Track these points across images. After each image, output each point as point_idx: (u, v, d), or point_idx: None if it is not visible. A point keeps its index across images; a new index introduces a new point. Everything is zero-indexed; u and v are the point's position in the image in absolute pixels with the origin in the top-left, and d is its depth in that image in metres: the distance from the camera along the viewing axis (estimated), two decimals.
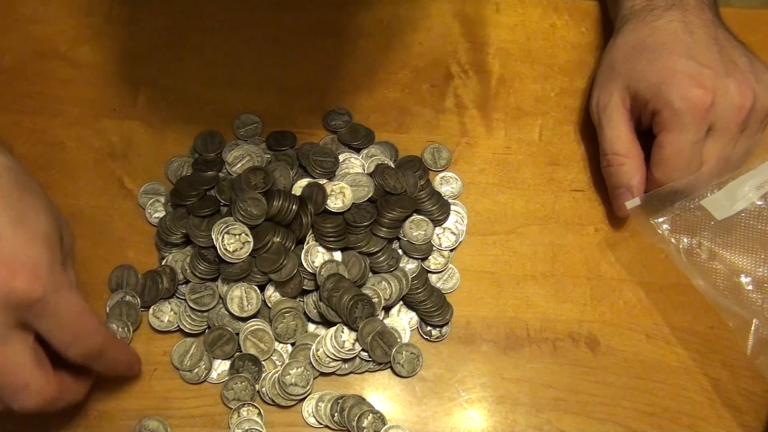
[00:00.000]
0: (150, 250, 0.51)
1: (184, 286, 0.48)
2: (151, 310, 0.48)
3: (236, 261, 0.47)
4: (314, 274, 0.48)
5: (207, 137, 0.54)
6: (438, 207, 0.51)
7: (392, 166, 0.53)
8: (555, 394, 0.48)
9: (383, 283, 0.48)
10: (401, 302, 0.49)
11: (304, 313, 0.48)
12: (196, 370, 0.47)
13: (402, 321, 0.49)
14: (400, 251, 0.50)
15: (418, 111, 0.57)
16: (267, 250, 0.47)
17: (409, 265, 0.50)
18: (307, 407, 0.46)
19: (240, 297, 0.47)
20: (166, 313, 0.48)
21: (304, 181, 0.50)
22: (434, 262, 0.50)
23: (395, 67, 0.58)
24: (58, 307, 0.38)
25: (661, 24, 0.51)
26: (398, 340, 0.48)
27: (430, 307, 0.49)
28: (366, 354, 0.47)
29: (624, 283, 0.51)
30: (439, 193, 0.52)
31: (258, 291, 0.48)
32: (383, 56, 0.59)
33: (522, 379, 0.48)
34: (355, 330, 0.47)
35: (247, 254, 0.47)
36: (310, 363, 0.47)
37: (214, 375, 0.47)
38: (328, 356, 0.46)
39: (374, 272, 0.49)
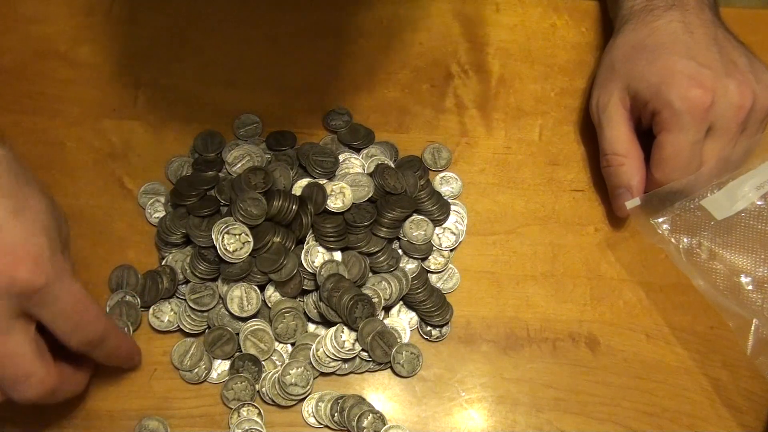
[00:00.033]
0: (150, 250, 0.51)
1: (184, 286, 0.48)
2: (151, 310, 0.48)
3: (236, 261, 0.47)
4: (314, 274, 0.48)
5: (207, 137, 0.54)
6: (438, 207, 0.51)
7: (392, 166, 0.53)
8: (555, 394, 0.48)
9: (383, 283, 0.48)
10: (401, 302, 0.49)
11: (304, 313, 0.48)
12: (196, 370, 0.47)
13: (402, 321, 0.49)
14: (400, 251, 0.50)
15: (418, 111, 0.57)
16: (267, 250, 0.47)
17: (409, 265, 0.50)
18: (307, 407, 0.46)
19: (240, 297, 0.47)
20: (166, 313, 0.48)
21: (304, 181, 0.50)
22: (434, 262, 0.50)
23: (395, 67, 0.58)
24: (60, 296, 0.38)
25: (661, 24, 0.51)
26: (398, 340, 0.48)
27: (430, 307, 0.49)
28: (366, 354, 0.47)
29: (624, 283, 0.51)
30: (439, 193, 0.52)
31: (258, 291, 0.48)
32: (383, 56, 0.59)
33: (522, 379, 0.48)
34: (355, 330, 0.47)
35: (247, 254, 0.47)
36: (310, 363, 0.47)
37: (214, 375, 0.47)
38: (328, 356, 0.46)
39: (374, 272, 0.49)
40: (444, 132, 0.56)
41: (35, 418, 0.45)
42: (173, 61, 0.57)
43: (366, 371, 0.48)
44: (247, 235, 0.47)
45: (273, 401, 0.46)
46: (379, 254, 0.49)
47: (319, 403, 0.46)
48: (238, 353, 0.47)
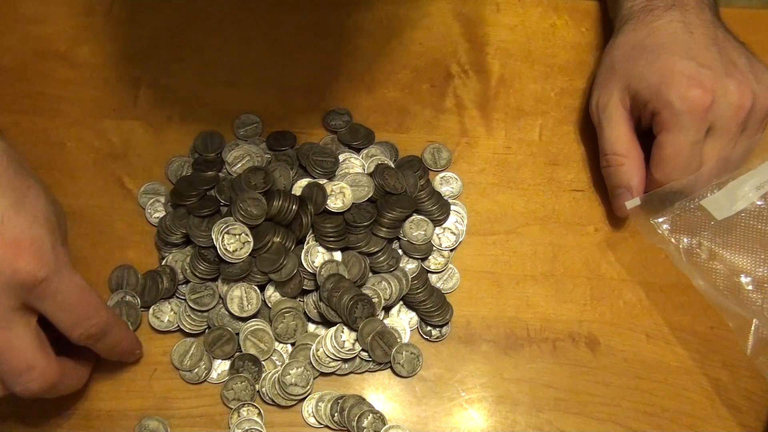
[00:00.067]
0: (150, 250, 0.51)
1: (184, 286, 0.48)
2: (151, 310, 0.48)
3: (236, 261, 0.47)
4: (314, 274, 0.48)
5: (207, 137, 0.54)
6: (438, 207, 0.51)
7: (392, 166, 0.53)
8: (555, 394, 0.48)
9: (383, 283, 0.48)
10: (401, 302, 0.49)
11: (304, 313, 0.48)
12: (196, 370, 0.47)
13: (402, 321, 0.49)
14: (400, 251, 0.50)
15: (418, 111, 0.57)
16: (267, 250, 0.47)
17: (409, 265, 0.50)
18: (307, 407, 0.46)
19: (240, 297, 0.47)
20: (166, 313, 0.48)
21: (304, 181, 0.50)
22: (434, 262, 0.50)
23: (395, 67, 0.58)
24: (62, 287, 0.38)
25: (661, 24, 0.51)
26: (398, 340, 0.48)
27: (430, 307, 0.49)
28: (366, 354, 0.47)
29: (624, 283, 0.51)
30: (439, 193, 0.52)
31: (258, 291, 0.48)
32: (383, 56, 0.59)
33: (522, 379, 0.48)
34: (355, 330, 0.47)
35: (247, 254, 0.47)
36: (310, 363, 0.47)
37: (214, 375, 0.47)
38: (328, 356, 0.46)
39: (374, 272, 0.49)
40: (444, 132, 0.56)
41: (35, 417, 0.45)
42: (173, 61, 0.57)
43: (366, 371, 0.48)
44: (247, 235, 0.47)
45: (273, 401, 0.46)
46: (379, 254, 0.49)
47: (319, 403, 0.46)
48: (238, 353, 0.47)
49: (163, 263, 0.49)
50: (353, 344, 0.47)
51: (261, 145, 0.53)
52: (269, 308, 0.48)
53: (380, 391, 0.47)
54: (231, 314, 0.47)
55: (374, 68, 0.58)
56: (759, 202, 0.49)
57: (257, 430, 0.45)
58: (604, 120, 0.52)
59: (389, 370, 0.48)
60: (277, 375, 0.46)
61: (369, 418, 0.45)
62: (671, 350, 0.49)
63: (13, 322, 0.37)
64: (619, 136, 0.51)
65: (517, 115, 0.57)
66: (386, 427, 0.45)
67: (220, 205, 0.50)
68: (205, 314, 0.48)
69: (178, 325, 0.48)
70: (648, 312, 0.50)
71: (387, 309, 0.49)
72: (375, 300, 0.47)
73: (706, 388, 0.48)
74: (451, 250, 0.51)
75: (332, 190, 0.49)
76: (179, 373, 0.47)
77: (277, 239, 0.47)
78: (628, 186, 0.50)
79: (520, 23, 0.61)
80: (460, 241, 0.52)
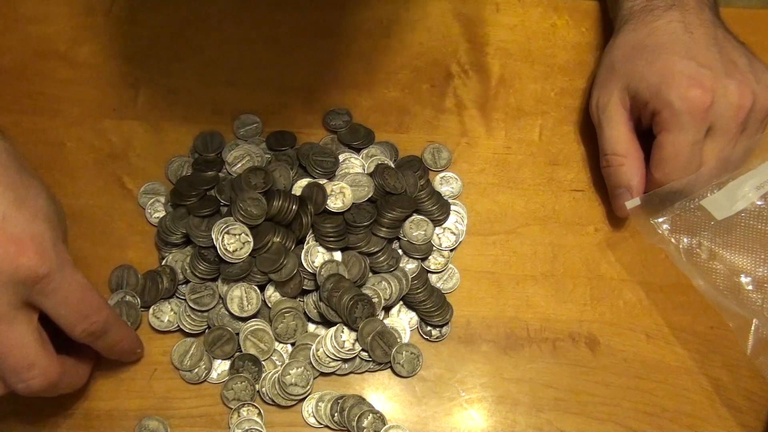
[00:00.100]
0: (150, 250, 0.51)
1: (184, 286, 0.48)
2: (151, 310, 0.48)
3: (236, 261, 0.47)
4: (314, 274, 0.48)
5: (207, 137, 0.54)
6: (438, 207, 0.51)
7: (392, 166, 0.53)
8: (555, 394, 0.48)
9: (383, 283, 0.48)
10: (401, 302, 0.49)
11: (304, 313, 0.48)
12: (196, 370, 0.47)
13: (402, 321, 0.49)
14: (400, 251, 0.50)
15: (418, 111, 0.57)
16: (267, 250, 0.47)
17: (409, 265, 0.50)
18: (307, 407, 0.46)
19: (240, 297, 0.47)
20: (166, 313, 0.48)
21: (304, 181, 0.50)
22: (434, 262, 0.50)
23: (395, 67, 0.58)
24: (63, 284, 0.38)
25: (661, 24, 0.51)
26: (398, 340, 0.48)
27: (430, 307, 0.49)
28: (366, 354, 0.47)
29: (624, 283, 0.51)
30: (439, 193, 0.52)
31: (258, 291, 0.48)
32: (383, 56, 0.59)
33: (522, 379, 0.48)
34: (355, 330, 0.47)
35: (247, 254, 0.47)
36: (310, 363, 0.47)
37: (214, 375, 0.47)
38: (328, 356, 0.46)
39: (374, 272, 0.49)
40: (444, 132, 0.56)
41: (35, 416, 0.45)
42: (173, 61, 0.57)
43: (366, 371, 0.48)
44: (247, 235, 0.47)
45: (273, 401, 0.46)
46: (379, 254, 0.49)
47: (319, 403, 0.46)
48: (238, 353, 0.47)
49: (163, 263, 0.49)
50: (353, 344, 0.47)
51: (261, 145, 0.53)
52: (269, 308, 0.48)
53: (380, 391, 0.47)
54: (231, 314, 0.47)
55: (374, 68, 0.58)
56: (759, 202, 0.49)
57: (257, 430, 0.45)
58: (604, 120, 0.52)
59: (389, 370, 0.48)
60: (277, 375, 0.46)
61: (369, 418, 0.45)
62: (671, 350, 0.49)
63: (14, 319, 0.37)
64: (619, 136, 0.51)
65: (517, 115, 0.57)
66: (386, 427, 0.45)
67: (220, 205, 0.50)
68: (205, 314, 0.48)
69: (178, 325, 0.48)
70: (648, 312, 0.50)
71: (387, 309, 0.49)
72: (375, 300, 0.47)
73: (706, 388, 0.48)
74: (451, 250, 0.51)
75: (332, 190, 0.49)
76: (179, 373, 0.47)
77: (277, 239, 0.47)
78: (628, 186, 0.50)
79: (520, 23, 0.61)
80: (460, 241, 0.52)
